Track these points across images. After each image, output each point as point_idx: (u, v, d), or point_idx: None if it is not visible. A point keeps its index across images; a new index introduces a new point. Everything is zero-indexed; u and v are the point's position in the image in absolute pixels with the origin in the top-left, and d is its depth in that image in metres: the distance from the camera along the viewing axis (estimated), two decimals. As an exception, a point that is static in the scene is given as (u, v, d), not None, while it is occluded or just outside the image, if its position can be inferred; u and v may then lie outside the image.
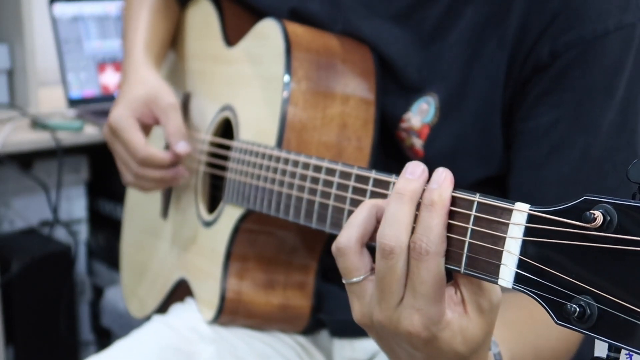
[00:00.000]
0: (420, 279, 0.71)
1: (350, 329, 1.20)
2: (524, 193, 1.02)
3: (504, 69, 1.03)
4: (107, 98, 2.40)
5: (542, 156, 1.01)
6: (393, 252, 0.72)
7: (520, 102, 1.03)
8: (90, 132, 2.21)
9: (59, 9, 2.36)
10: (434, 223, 0.71)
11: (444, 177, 0.73)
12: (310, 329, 1.22)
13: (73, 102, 2.35)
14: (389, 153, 1.13)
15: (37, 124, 2.17)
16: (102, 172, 2.58)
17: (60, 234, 2.50)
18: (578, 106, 1.00)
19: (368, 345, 1.20)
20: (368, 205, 0.77)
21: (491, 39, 1.04)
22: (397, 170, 1.12)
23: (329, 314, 1.20)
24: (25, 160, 2.36)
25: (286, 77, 1.09)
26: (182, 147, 1.22)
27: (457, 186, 0.74)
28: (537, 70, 1.00)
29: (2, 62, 2.30)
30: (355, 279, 0.76)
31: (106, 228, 2.55)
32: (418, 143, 1.08)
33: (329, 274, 1.19)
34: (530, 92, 1.01)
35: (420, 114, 1.08)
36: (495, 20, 1.03)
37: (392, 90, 1.11)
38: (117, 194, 2.48)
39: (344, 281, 0.78)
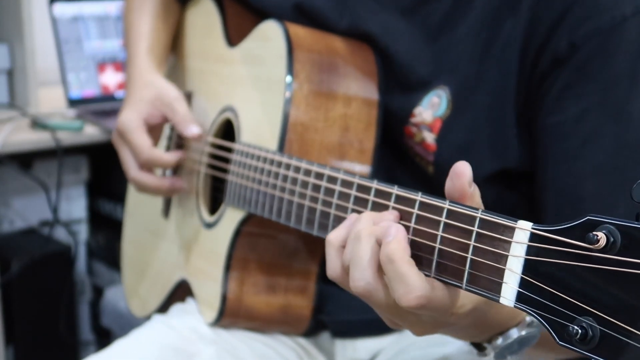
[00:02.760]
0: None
1: (352, 329, 1.20)
2: (560, 187, 1.01)
3: (516, 58, 1.02)
4: (107, 98, 2.40)
5: (575, 148, 1.00)
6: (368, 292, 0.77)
7: (542, 97, 1.01)
8: (90, 132, 2.21)
9: (59, 9, 2.35)
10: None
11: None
12: (311, 331, 1.22)
13: (73, 102, 2.35)
14: (395, 153, 1.13)
15: (37, 124, 2.17)
16: (102, 172, 2.57)
17: (60, 234, 2.50)
18: (604, 95, 0.99)
19: (370, 344, 1.20)
20: (366, 239, 0.78)
21: (502, 29, 1.03)
22: (399, 170, 1.13)
23: (330, 315, 1.20)
24: (25, 160, 2.35)
25: (288, 79, 1.09)
26: (193, 130, 1.24)
27: (473, 179, 0.75)
28: (557, 64, 1.00)
29: (2, 62, 2.30)
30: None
31: (106, 228, 2.55)
32: (430, 137, 1.07)
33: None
34: (552, 87, 1.00)
35: (432, 108, 1.08)
36: (505, 10, 1.03)
37: (401, 86, 1.11)
38: (117, 194, 2.47)
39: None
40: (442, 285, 0.75)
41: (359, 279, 0.76)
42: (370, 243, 0.77)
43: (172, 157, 1.26)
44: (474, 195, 0.76)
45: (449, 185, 0.76)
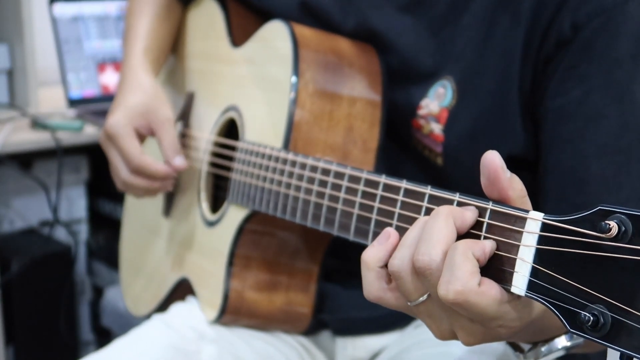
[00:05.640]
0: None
1: (352, 327, 1.20)
2: (565, 169, 1.00)
3: (520, 44, 1.03)
4: (107, 98, 2.40)
5: (578, 130, 0.99)
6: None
7: (547, 81, 1.02)
8: (90, 132, 2.21)
9: (59, 9, 2.35)
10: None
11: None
12: (312, 330, 1.22)
13: (73, 102, 2.35)
14: (403, 148, 1.13)
15: (37, 124, 2.17)
16: (102, 172, 2.57)
17: (60, 234, 2.50)
18: (607, 76, 0.99)
19: (370, 343, 1.20)
20: (445, 217, 0.73)
21: (504, 16, 1.04)
22: (408, 165, 1.13)
23: (331, 313, 1.20)
24: (25, 160, 2.35)
25: (293, 79, 1.09)
26: (179, 161, 1.24)
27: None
28: (561, 46, 1.00)
29: (2, 62, 2.30)
30: (420, 299, 0.74)
31: (106, 228, 2.55)
32: (437, 128, 1.08)
33: (331, 274, 1.20)
34: (556, 69, 1.00)
35: (438, 99, 1.08)
36: None
37: (407, 79, 1.11)
38: (117, 194, 2.47)
39: (409, 304, 0.75)
40: (495, 295, 0.70)
41: (424, 253, 0.71)
42: (448, 222, 0.72)
43: (162, 168, 1.24)
44: (513, 181, 0.72)
45: (484, 179, 0.72)
